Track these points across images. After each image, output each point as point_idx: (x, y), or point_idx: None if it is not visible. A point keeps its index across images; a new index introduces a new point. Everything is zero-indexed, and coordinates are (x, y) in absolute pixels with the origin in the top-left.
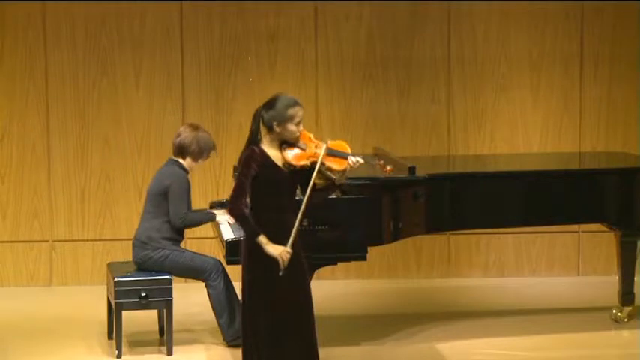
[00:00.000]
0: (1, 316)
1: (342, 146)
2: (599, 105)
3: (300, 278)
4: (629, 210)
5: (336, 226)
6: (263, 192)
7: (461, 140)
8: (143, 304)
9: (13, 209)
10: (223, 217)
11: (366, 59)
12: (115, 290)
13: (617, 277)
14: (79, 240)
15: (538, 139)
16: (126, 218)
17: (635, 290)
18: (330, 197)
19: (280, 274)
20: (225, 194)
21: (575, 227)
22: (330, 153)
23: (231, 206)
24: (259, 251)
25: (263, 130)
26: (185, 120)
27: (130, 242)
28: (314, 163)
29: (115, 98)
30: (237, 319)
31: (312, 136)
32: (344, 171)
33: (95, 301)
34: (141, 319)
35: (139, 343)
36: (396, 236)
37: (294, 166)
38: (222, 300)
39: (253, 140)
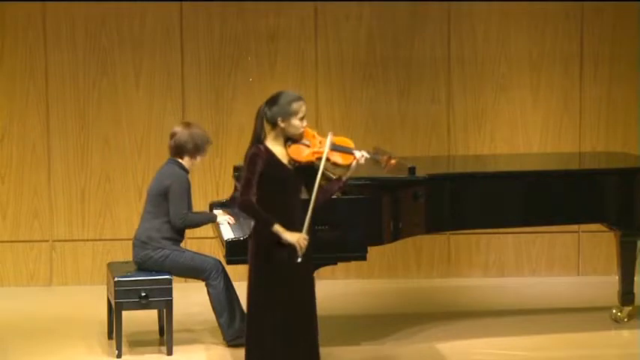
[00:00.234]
0: (1, 316)
1: (346, 142)
2: (599, 105)
3: (306, 278)
4: (629, 210)
5: (336, 226)
6: (269, 190)
7: (461, 140)
8: (143, 304)
9: (13, 209)
10: (223, 218)
11: (366, 59)
12: (115, 290)
13: (617, 277)
14: (79, 240)
15: (538, 139)
16: (126, 218)
17: (635, 290)
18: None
19: (299, 260)
20: (226, 194)
21: (575, 227)
22: (335, 148)
23: (241, 199)
24: (267, 250)
25: (267, 127)
26: (185, 120)
27: (130, 242)
28: (319, 159)
29: (115, 98)
30: (237, 319)
31: (315, 132)
32: (349, 165)
33: (95, 301)
34: (141, 319)
35: (139, 343)
36: (396, 236)
37: (300, 162)
38: (222, 300)
39: (257, 138)
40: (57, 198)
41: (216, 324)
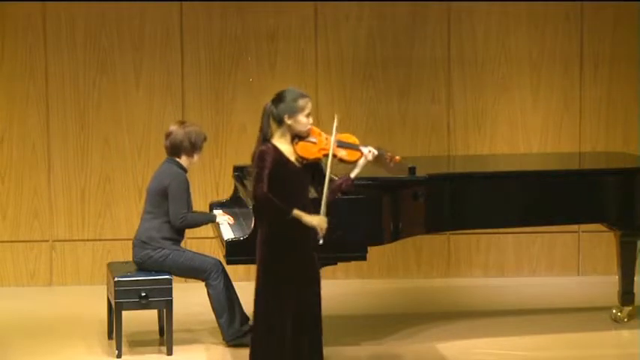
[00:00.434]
0: (1, 316)
1: (351, 138)
2: (599, 105)
3: (314, 279)
4: (629, 210)
5: (335, 226)
6: (278, 188)
7: (461, 140)
8: (143, 304)
9: (13, 209)
10: (223, 218)
11: (366, 59)
12: (115, 290)
13: (617, 277)
14: (79, 240)
15: (538, 139)
16: (126, 218)
17: (635, 290)
18: None
19: (320, 242)
20: (225, 194)
21: (575, 227)
22: (342, 144)
23: (257, 192)
24: (276, 251)
25: (273, 125)
26: (188, 121)
27: (130, 242)
28: (326, 155)
29: (115, 98)
30: (237, 319)
31: (321, 130)
32: (356, 162)
33: (95, 301)
34: (141, 319)
35: (139, 343)
36: (396, 236)
37: (307, 159)
38: (222, 300)
39: (264, 137)
40: (57, 198)
41: (216, 324)
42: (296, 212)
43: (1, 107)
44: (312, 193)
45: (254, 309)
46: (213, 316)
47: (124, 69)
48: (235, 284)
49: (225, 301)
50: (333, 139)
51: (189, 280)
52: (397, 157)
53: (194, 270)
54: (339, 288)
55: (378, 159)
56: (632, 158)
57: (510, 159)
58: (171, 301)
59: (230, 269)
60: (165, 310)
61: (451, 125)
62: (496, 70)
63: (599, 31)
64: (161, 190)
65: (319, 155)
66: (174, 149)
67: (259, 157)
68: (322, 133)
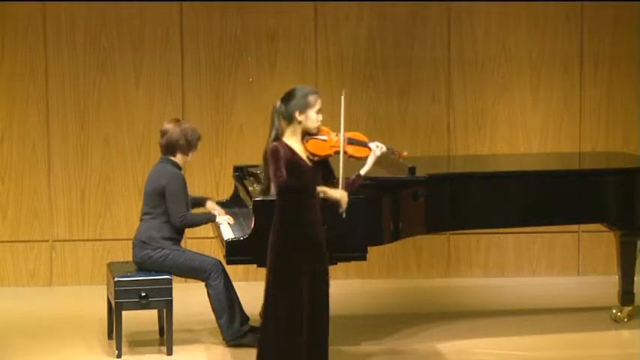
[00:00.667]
0: (1, 316)
1: (360, 136)
2: (599, 105)
3: (323, 279)
4: (629, 210)
5: (335, 226)
6: None
7: (461, 140)
8: (143, 304)
9: (13, 209)
10: (223, 218)
11: (366, 59)
12: (115, 290)
13: (617, 277)
14: (79, 240)
15: (538, 139)
16: (126, 218)
17: (635, 290)
18: None
19: (344, 216)
20: (225, 194)
21: (575, 227)
22: (351, 141)
23: (278, 180)
24: (287, 251)
25: (283, 123)
26: (185, 120)
27: (130, 242)
28: (337, 152)
29: (115, 98)
30: (237, 319)
31: (329, 129)
32: (366, 158)
33: (95, 301)
34: (141, 319)
35: (139, 343)
36: (396, 236)
37: (319, 156)
38: (222, 300)
39: (275, 136)
40: (57, 198)
41: (216, 324)
42: (321, 188)
43: (1, 107)
44: None
45: (263, 308)
46: (213, 316)
47: (124, 69)
48: (235, 284)
49: (225, 301)
50: (342, 133)
51: (189, 280)
52: (405, 153)
53: (194, 270)
54: (339, 288)
55: (386, 154)
56: (632, 158)
57: (510, 159)
58: (171, 301)
59: (230, 269)
60: (165, 310)
61: (451, 125)
62: (496, 70)
63: (599, 31)
64: (158, 190)
65: (330, 152)
66: (170, 147)
67: (272, 154)
68: (331, 132)
